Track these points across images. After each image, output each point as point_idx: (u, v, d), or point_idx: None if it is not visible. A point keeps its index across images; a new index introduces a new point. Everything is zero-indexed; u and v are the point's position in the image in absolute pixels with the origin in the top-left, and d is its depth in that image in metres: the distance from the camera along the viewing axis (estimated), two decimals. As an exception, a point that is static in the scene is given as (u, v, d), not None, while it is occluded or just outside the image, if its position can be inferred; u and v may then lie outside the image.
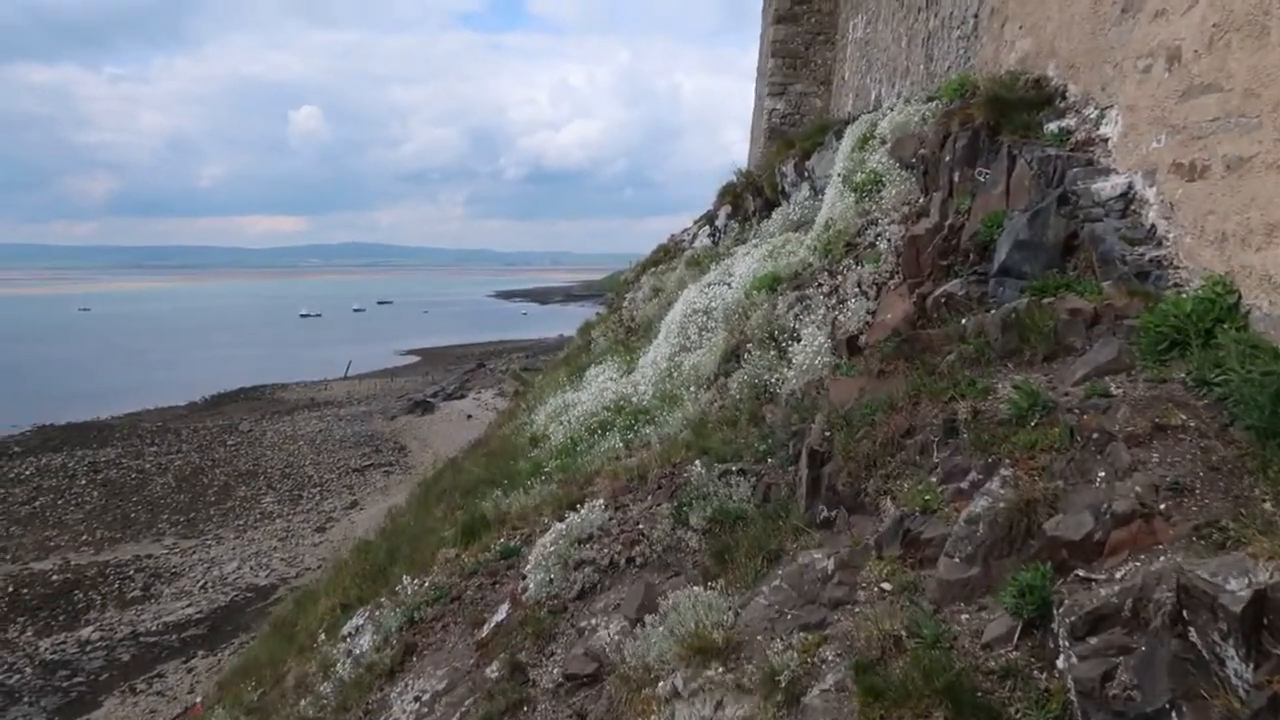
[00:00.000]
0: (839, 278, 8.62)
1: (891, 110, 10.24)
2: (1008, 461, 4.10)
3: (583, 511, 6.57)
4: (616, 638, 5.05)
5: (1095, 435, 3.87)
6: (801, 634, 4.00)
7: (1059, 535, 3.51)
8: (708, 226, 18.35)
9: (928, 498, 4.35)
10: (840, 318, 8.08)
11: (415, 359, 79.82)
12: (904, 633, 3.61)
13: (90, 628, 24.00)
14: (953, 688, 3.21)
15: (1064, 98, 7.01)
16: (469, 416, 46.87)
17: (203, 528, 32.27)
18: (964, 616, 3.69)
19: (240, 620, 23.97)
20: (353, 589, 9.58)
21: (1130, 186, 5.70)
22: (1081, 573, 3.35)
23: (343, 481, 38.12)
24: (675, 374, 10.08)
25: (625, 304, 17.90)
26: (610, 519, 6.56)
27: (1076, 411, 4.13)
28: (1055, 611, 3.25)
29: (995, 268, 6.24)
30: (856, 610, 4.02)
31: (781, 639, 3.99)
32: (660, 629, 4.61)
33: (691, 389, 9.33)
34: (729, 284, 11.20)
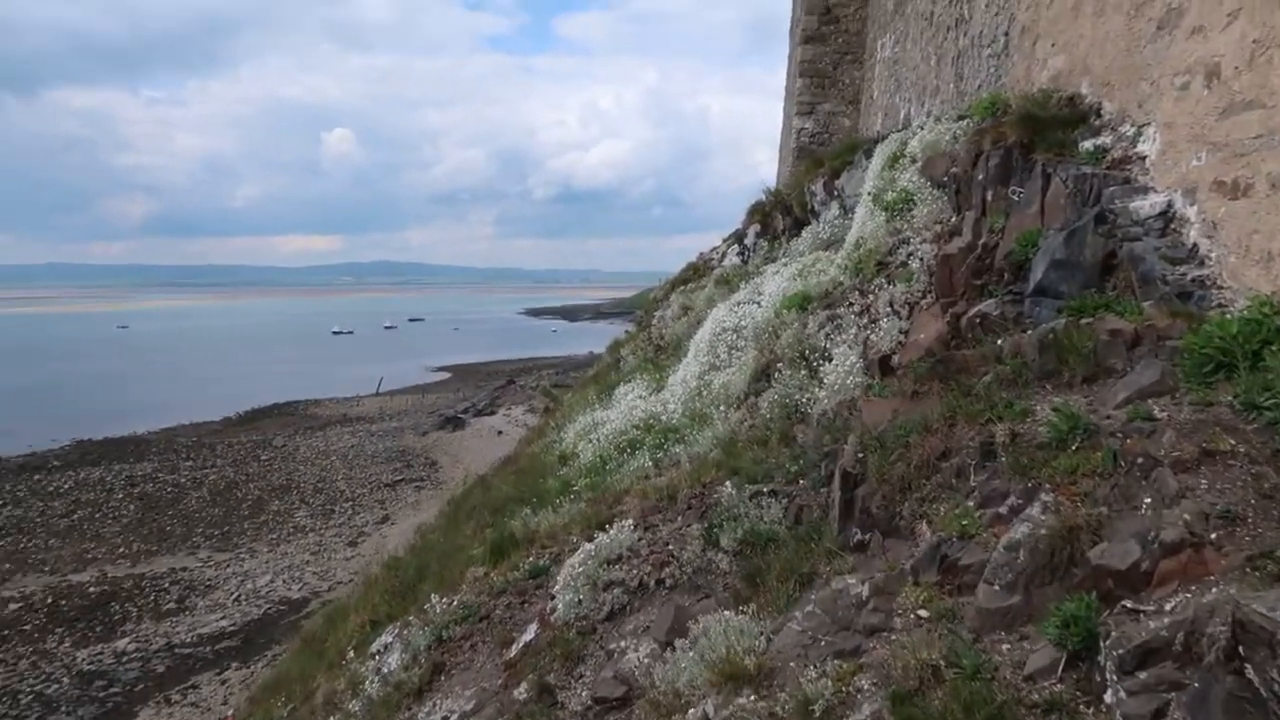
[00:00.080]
0: (870, 297, 8.54)
1: (922, 129, 10.16)
2: (1048, 486, 4.00)
3: (612, 531, 6.53)
4: (646, 661, 5.00)
5: (1140, 460, 3.77)
6: (836, 662, 3.92)
7: (1104, 564, 3.41)
8: (737, 245, 18.31)
9: (965, 522, 4.26)
10: (872, 337, 7.99)
11: (446, 375, 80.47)
12: (942, 662, 3.52)
13: (126, 639, 24.36)
14: (994, 721, 3.13)
15: (1099, 115, 6.91)
16: (499, 432, 47.12)
17: (237, 541, 32.69)
18: (1005, 646, 3.60)
19: (273, 633, 24.21)
20: (382, 606, 9.60)
21: (1170, 205, 5.60)
22: (1129, 604, 3.25)
23: (374, 496, 38.45)
24: (705, 393, 10.02)
25: (654, 322, 17.89)
26: (639, 539, 6.51)
27: (1119, 435, 4.02)
28: (1102, 644, 3.15)
29: (1031, 287, 6.14)
30: (893, 638, 3.93)
31: (815, 667, 3.92)
32: (691, 654, 4.55)
33: (721, 408, 9.27)
34: (759, 302, 11.14)
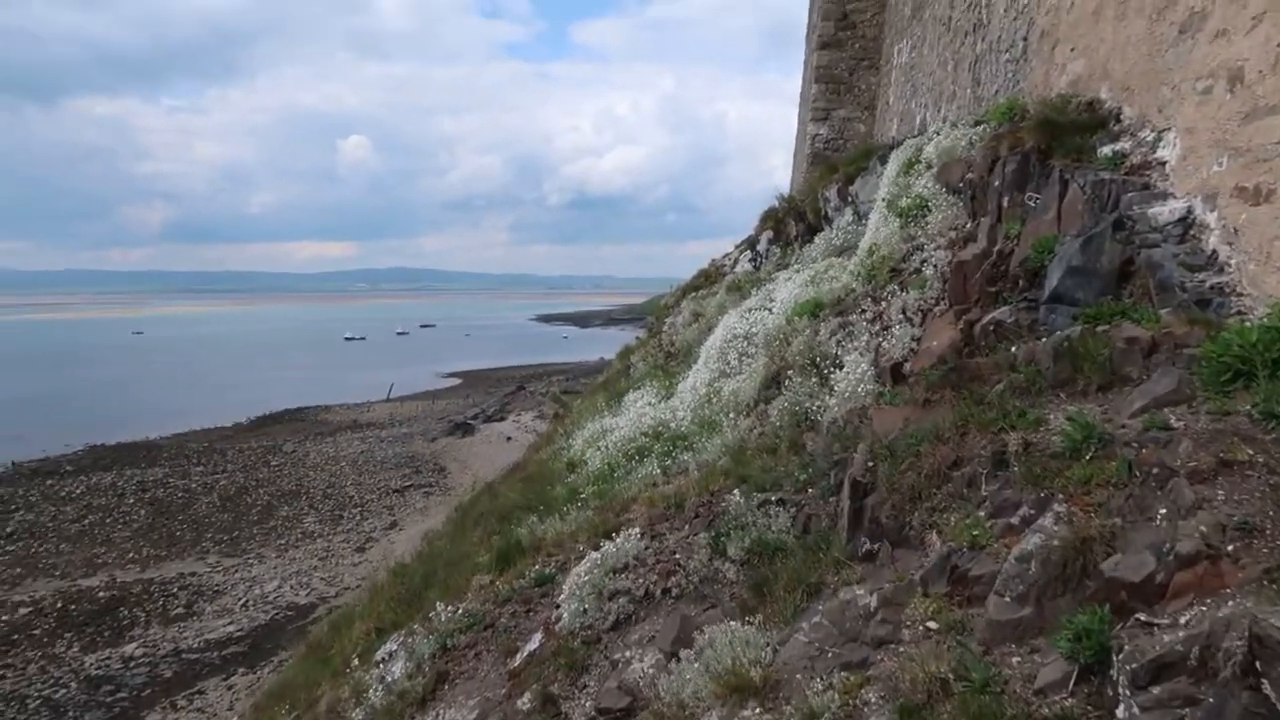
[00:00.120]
0: (883, 304, 8.45)
1: (938, 134, 10.08)
2: (1061, 497, 3.91)
3: (618, 540, 6.45)
4: (651, 672, 4.91)
5: (1155, 470, 3.67)
6: (843, 674, 3.84)
7: (1118, 576, 3.31)
8: (749, 251, 18.23)
9: (976, 533, 4.17)
10: (884, 345, 7.89)
11: (456, 381, 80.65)
12: (951, 675, 3.43)
13: (134, 644, 24.40)
14: (1004, 736, 3.03)
15: (1118, 121, 6.81)
16: (508, 438, 47.10)
17: (245, 546, 32.75)
18: (1015, 659, 3.50)
19: (280, 638, 24.19)
20: (387, 613, 9.54)
21: (1189, 211, 5.49)
22: (1143, 617, 3.15)
23: (383, 502, 38.47)
24: (714, 400, 9.94)
25: (665, 329, 17.82)
26: (646, 548, 6.43)
27: (1135, 445, 3.92)
28: (1115, 658, 3.05)
29: (1046, 294, 6.04)
30: (901, 650, 3.84)
31: (822, 679, 3.84)
32: (696, 665, 4.46)
33: (731, 415, 9.19)
34: (770, 309, 11.06)
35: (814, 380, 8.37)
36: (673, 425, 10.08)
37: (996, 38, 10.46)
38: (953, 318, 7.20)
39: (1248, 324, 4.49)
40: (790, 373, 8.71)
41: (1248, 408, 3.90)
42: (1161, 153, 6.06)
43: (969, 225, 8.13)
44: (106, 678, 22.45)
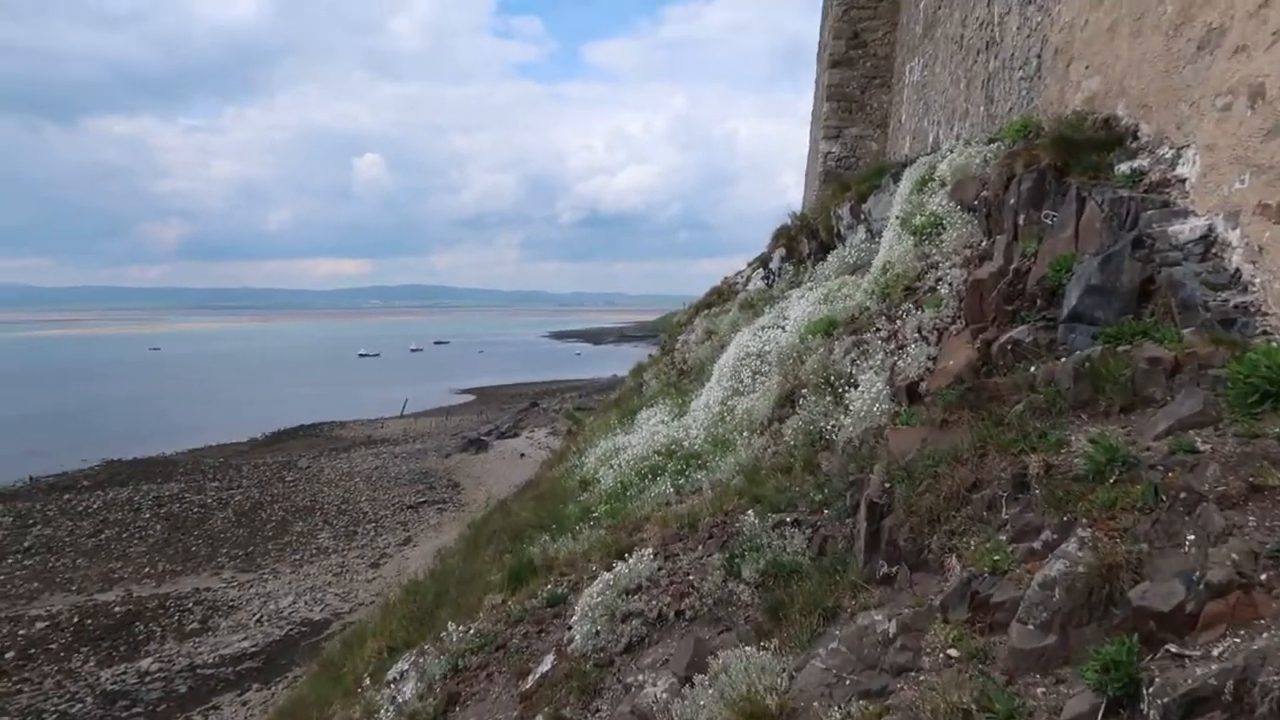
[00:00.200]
0: (898, 322, 8.38)
1: (951, 152, 10.03)
2: (1085, 521, 3.82)
3: (631, 561, 6.39)
4: (664, 697, 4.84)
5: (1182, 495, 3.58)
6: (861, 702, 3.75)
7: (1146, 605, 3.22)
8: (762, 269, 18.20)
9: (997, 557, 4.08)
10: (899, 364, 7.81)
11: (470, 398, 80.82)
12: (974, 706, 3.33)
13: (150, 659, 24.43)
14: (1029, 771, 2.95)
15: (1135, 138, 6.74)
16: (522, 455, 47.08)
17: (260, 562, 32.80)
18: (1040, 690, 3.41)
19: (294, 654, 24.16)
20: (399, 632, 9.49)
21: (1211, 229, 5.41)
22: (1173, 648, 3.06)
23: (397, 518, 38.49)
24: (728, 418, 9.88)
25: (678, 346, 17.78)
26: (659, 569, 6.37)
27: (1160, 468, 3.84)
28: (1145, 691, 2.96)
29: (1065, 313, 5.95)
30: (921, 678, 3.75)
31: (839, 707, 3.75)
32: (710, 690, 4.38)
33: (744, 434, 9.12)
34: (783, 327, 11.01)
35: (828, 399, 8.30)
36: (686, 443, 10.02)
37: (1009, 55, 10.42)
38: (969, 337, 7.12)
39: (1274, 344, 4.40)
40: (804, 391, 8.64)
41: (1277, 430, 3.82)
42: (1181, 170, 5.98)
43: (984, 243, 8.06)
44: (122, 693, 22.48)
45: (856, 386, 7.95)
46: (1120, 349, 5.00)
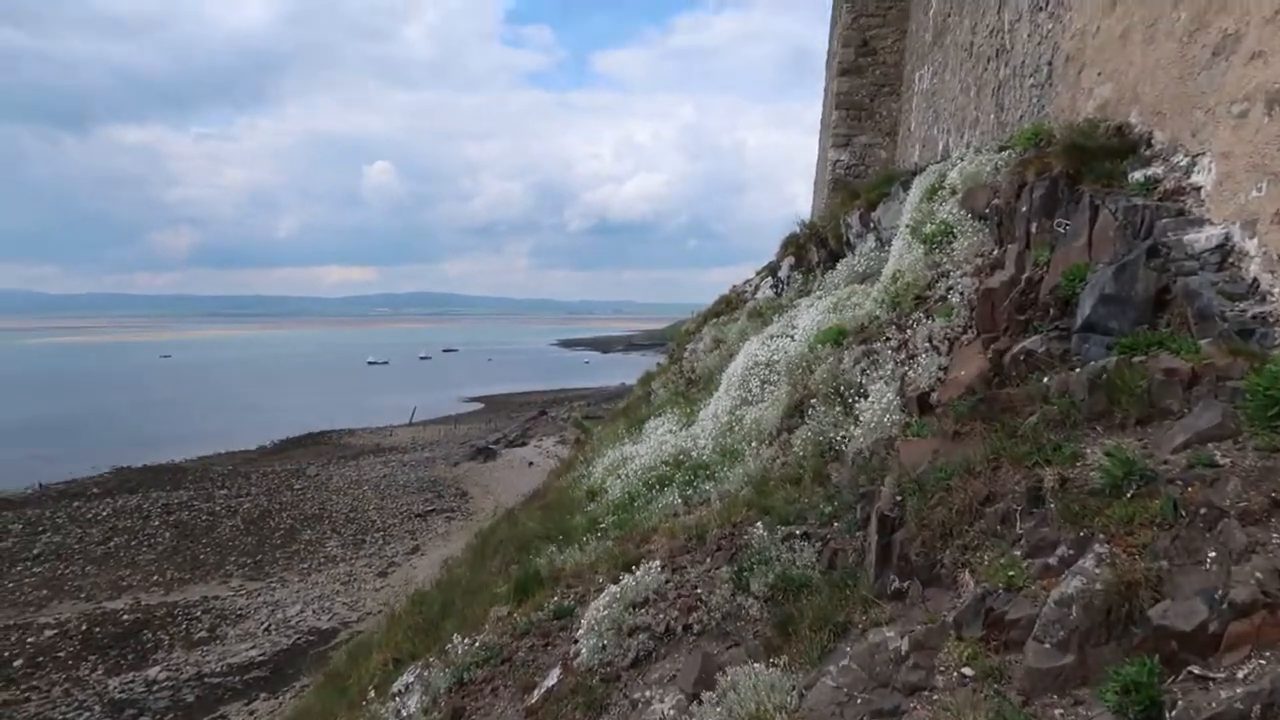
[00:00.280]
0: (908, 332, 8.29)
1: (961, 160, 9.95)
2: (1102, 537, 3.73)
3: (638, 573, 6.30)
4: (672, 714, 4.75)
5: (1203, 511, 3.50)
6: (873, 722, 3.67)
7: (1167, 625, 3.14)
8: (770, 278, 18.13)
9: (1011, 573, 3.99)
10: (910, 374, 7.72)
11: (479, 406, 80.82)
12: (989, 727, 3.26)
13: (158, 667, 24.40)
14: (1047, 796, 2.86)
15: (1149, 145, 6.66)
16: (530, 463, 47.01)
17: (268, 570, 32.77)
18: (1057, 711, 3.32)
19: (302, 663, 24.10)
20: (405, 643, 9.41)
21: (1227, 238, 5.33)
22: (1196, 670, 2.97)
23: (405, 526, 38.45)
24: (736, 428, 9.79)
25: (686, 355, 17.71)
26: (667, 581, 6.28)
27: (1179, 483, 3.75)
28: (1167, 714, 2.88)
29: (1079, 323, 5.87)
30: (935, 698, 3.67)
31: (851, 727, 3.67)
32: (719, 709, 4.30)
33: (753, 444, 9.03)
34: (792, 336, 10.92)
35: (838, 409, 8.21)
36: (694, 454, 9.93)
37: (1020, 63, 10.35)
38: (981, 347, 7.03)
39: (1294, 355, 4.32)
40: (813, 401, 8.55)
41: (1299, 444, 3.73)
42: (1196, 178, 5.90)
43: (996, 252, 7.97)
44: (130, 701, 22.44)
45: (866, 396, 7.86)
46: (1136, 360, 4.91)
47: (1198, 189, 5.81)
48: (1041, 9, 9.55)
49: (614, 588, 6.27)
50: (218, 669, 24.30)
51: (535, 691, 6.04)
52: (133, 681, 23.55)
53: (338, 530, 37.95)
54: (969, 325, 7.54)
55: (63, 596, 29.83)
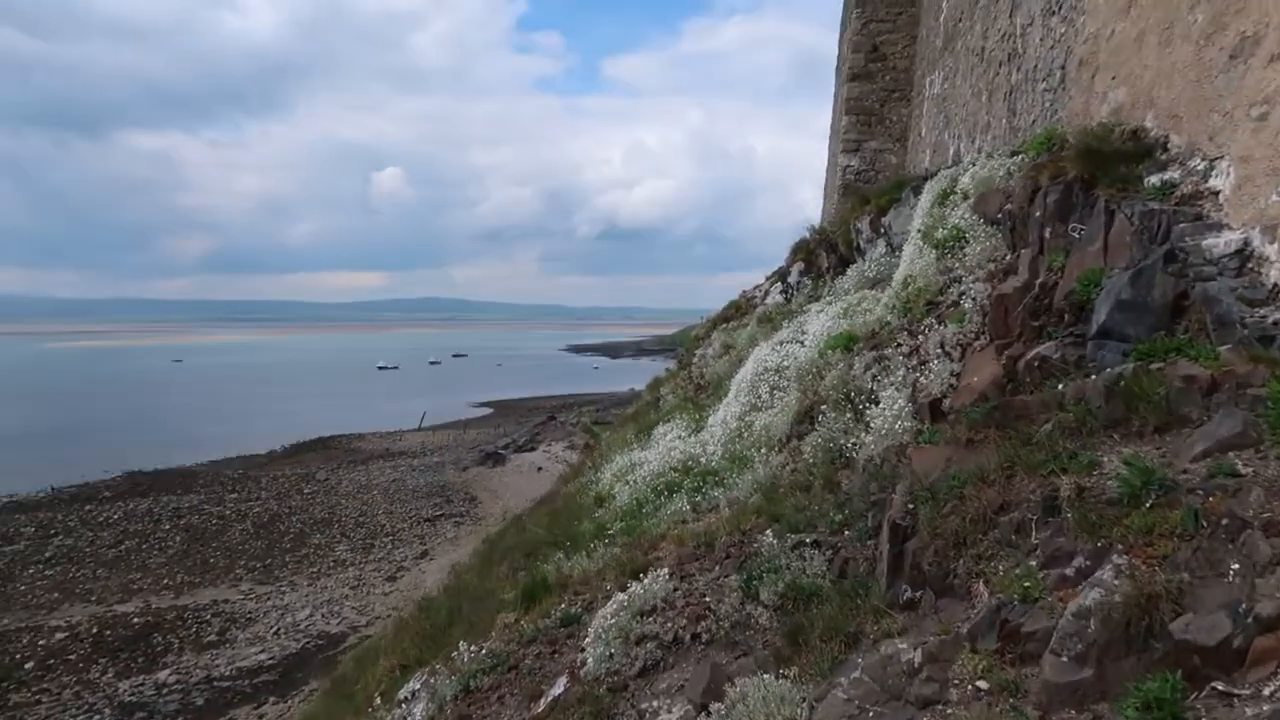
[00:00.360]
0: (919, 337, 8.21)
1: (973, 165, 9.87)
2: (1120, 548, 3.65)
3: (646, 581, 6.25)
4: (680, 725, 4.69)
5: (1225, 521, 3.41)
6: (886, 736, 3.59)
7: (1190, 639, 3.05)
8: (780, 283, 18.05)
9: (1027, 584, 3.91)
10: (922, 380, 7.64)
11: (488, 411, 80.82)
12: (1005, 743, 3.18)
13: (167, 671, 24.42)
14: (1066, 815, 2.78)
15: (1165, 149, 6.57)
16: (539, 469, 46.95)
17: (278, 574, 32.80)
18: (1075, 727, 3.24)
19: (311, 668, 24.07)
20: (412, 650, 9.38)
21: (1246, 243, 5.23)
22: (1220, 686, 2.89)
23: (414, 531, 38.43)
24: (745, 434, 9.72)
25: (695, 361, 17.64)
26: (675, 589, 6.22)
27: (1200, 492, 3.67)
28: (1190, 732, 2.80)
29: (1094, 329, 5.78)
30: (949, 712, 3.59)
31: (863, 741, 3.59)
32: (727, 720, 4.24)
33: (762, 451, 8.96)
34: (802, 342, 10.86)
35: (848, 416, 8.13)
36: (703, 460, 9.87)
37: (1032, 67, 10.27)
38: (994, 353, 6.95)
39: (1317, 363, 4.22)
40: (823, 408, 8.48)
41: (1323, 454, 3.64)
42: (1214, 182, 5.81)
43: (1009, 257, 7.89)
44: (140, 704, 22.45)
45: (878, 403, 7.79)
46: (1153, 366, 4.82)
47: (1216, 193, 5.72)
48: (1054, 13, 9.47)
49: (622, 595, 6.21)
50: (227, 672, 24.30)
51: (542, 700, 5.98)
52: (143, 684, 23.57)
53: (347, 534, 37.96)
54: (981, 331, 7.46)
55: (74, 599, 29.92)
